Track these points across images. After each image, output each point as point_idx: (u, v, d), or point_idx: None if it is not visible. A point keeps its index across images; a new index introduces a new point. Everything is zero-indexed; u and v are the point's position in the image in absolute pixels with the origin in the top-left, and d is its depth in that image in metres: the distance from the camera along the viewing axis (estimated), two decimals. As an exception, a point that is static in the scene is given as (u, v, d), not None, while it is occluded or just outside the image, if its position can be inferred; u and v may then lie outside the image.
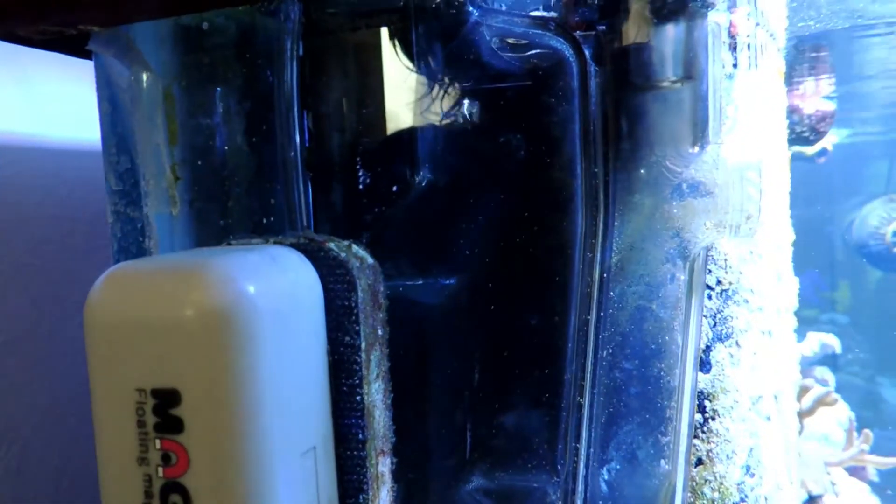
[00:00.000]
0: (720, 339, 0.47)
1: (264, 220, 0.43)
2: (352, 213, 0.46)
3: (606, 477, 0.44)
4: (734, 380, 0.47)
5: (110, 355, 0.28)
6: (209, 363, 0.27)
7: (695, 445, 0.45)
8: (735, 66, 0.47)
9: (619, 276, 0.43)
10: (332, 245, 0.34)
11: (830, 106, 1.10)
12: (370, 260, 0.35)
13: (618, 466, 0.44)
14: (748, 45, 0.50)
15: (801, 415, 0.90)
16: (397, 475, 0.37)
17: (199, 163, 0.41)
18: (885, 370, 3.31)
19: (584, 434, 0.43)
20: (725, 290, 0.47)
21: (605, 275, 0.43)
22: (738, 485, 0.47)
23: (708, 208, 0.42)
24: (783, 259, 0.66)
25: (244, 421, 0.27)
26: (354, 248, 0.35)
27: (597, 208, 0.43)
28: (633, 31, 0.42)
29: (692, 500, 0.45)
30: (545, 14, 0.43)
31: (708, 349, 0.46)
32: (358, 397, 0.33)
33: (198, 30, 0.39)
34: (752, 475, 0.49)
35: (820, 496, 0.87)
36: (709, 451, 0.46)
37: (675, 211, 0.42)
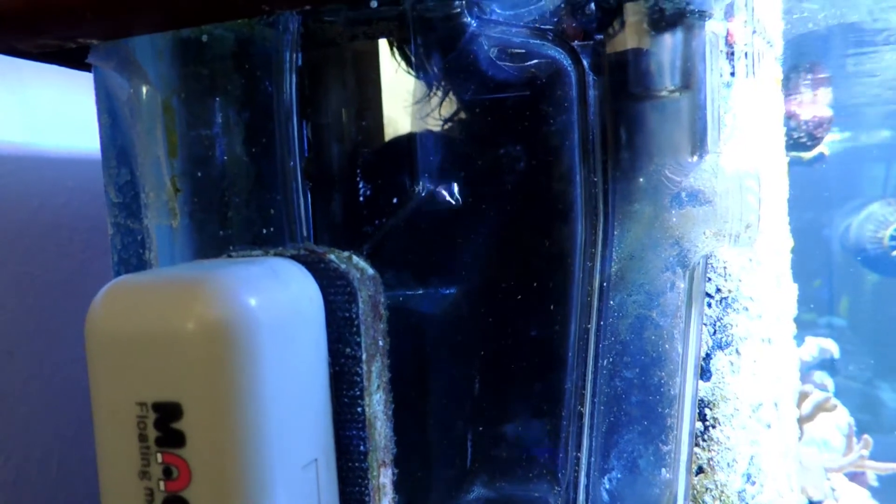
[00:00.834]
0: (720, 347, 0.47)
1: (264, 231, 0.43)
2: (352, 223, 0.46)
3: (608, 486, 0.44)
4: (734, 388, 0.47)
5: (112, 369, 0.28)
6: (211, 377, 0.27)
7: (696, 454, 0.45)
8: (733, 74, 0.48)
9: (618, 284, 0.43)
10: (332, 257, 0.34)
11: (827, 112, 1.10)
12: (370, 271, 0.35)
13: (619, 475, 0.44)
14: (745, 54, 0.50)
15: (801, 420, 0.90)
16: (399, 486, 0.37)
17: (199, 174, 0.41)
18: (884, 374, 3.31)
19: (585, 443, 0.43)
20: (725, 298, 0.47)
21: (604, 284, 0.43)
22: (739, 493, 0.47)
23: (707, 217, 0.42)
24: (782, 265, 0.66)
25: (246, 434, 0.27)
26: (355, 259, 0.35)
27: (596, 217, 0.43)
28: (630, 42, 0.42)
29: (693, 508, 0.45)
30: (543, 24, 0.43)
31: (708, 357, 0.46)
32: (359, 408, 0.33)
33: (197, 42, 0.39)
34: (753, 483, 0.49)
35: (820, 502, 0.87)
36: (710, 459, 0.46)
37: (674, 220, 0.42)
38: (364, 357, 0.33)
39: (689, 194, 0.42)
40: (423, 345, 0.45)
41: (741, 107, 0.49)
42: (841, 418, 1.29)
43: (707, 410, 0.46)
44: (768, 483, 0.52)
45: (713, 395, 0.47)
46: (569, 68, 0.43)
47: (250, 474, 0.27)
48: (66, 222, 0.68)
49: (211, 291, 0.27)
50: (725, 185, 0.42)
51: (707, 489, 0.46)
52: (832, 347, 1.57)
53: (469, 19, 0.41)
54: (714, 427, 0.46)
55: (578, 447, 0.43)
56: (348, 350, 0.33)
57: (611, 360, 0.43)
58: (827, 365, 1.82)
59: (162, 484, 0.27)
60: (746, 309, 0.49)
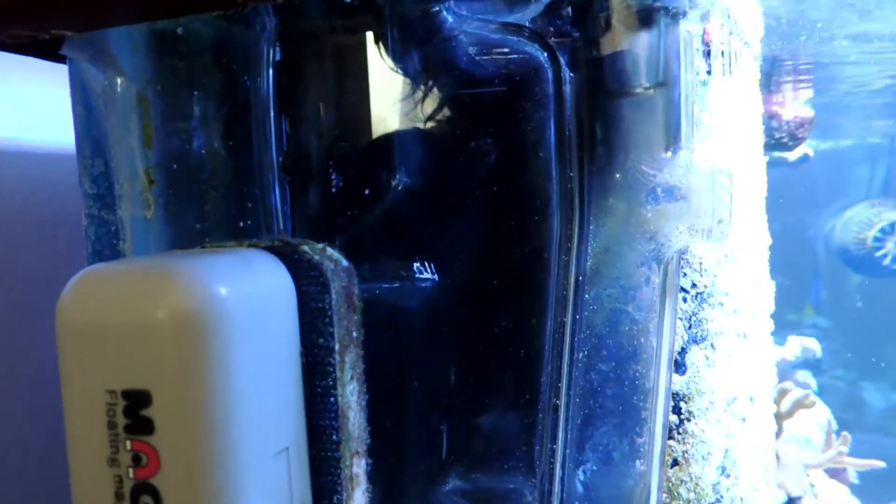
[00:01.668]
0: (695, 342, 0.47)
1: (241, 224, 0.44)
2: (329, 217, 0.47)
3: (582, 478, 0.44)
4: (709, 381, 0.48)
5: (81, 357, 0.28)
6: (180, 365, 0.27)
7: (670, 446, 0.46)
8: (709, 72, 0.48)
9: (594, 279, 0.44)
10: (306, 248, 0.34)
11: (809, 112, 1.11)
12: (344, 263, 0.36)
13: (594, 467, 0.44)
14: (722, 52, 0.51)
15: (781, 417, 0.91)
16: (374, 477, 0.37)
17: (175, 167, 0.41)
18: (868, 374, 3.34)
19: (561, 435, 0.43)
20: (700, 293, 0.48)
21: (580, 278, 0.43)
22: (714, 485, 0.48)
23: (681, 212, 0.42)
24: (759, 263, 0.67)
25: (215, 422, 0.27)
26: (329, 251, 0.35)
27: (572, 212, 0.43)
28: (606, 39, 0.42)
29: (668, 500, 0.45)
30: (520, 21, 0.43)
31: (683, 351, 0.47)
32: (332, 399, 0.34)
33: (173, 35, 0.39)
34: (728, 476, 0.50)
35: (799, 498, 0.88)
36: (684, 451, 0.46)
37: (649, 215, 0.43)
38: (337, 348, 0.34)
39: (665, 190, 0.43)
40: (400, 337, 0.45)
41: (717, 104, 0.49)
42: (821, 415, 1.30)
43: (682, 404, 0.47)
44: (743, 476, 0.53)
45: (688, 388, 0.47)
46: (545, 64, 0.43)
47: (219, 462, 0.27)
48: (49, 217, 0.68)
49: (181, 280, 0.28)
50: (698, 181, 0.42)
51: (682, 481, 0.47)
52: (815, 347, 1.58)
53: (445, 14, 0.42)
54: (689, 420, 0.47)
55: (554, 439, 0.43)
56: (321, 341, 0.34)
57: (586, 353, 0.44)
58: (810, 364, 1.84)
59: (131, 471, 0.27)
60: (722, 304, 0.50)
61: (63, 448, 0.29)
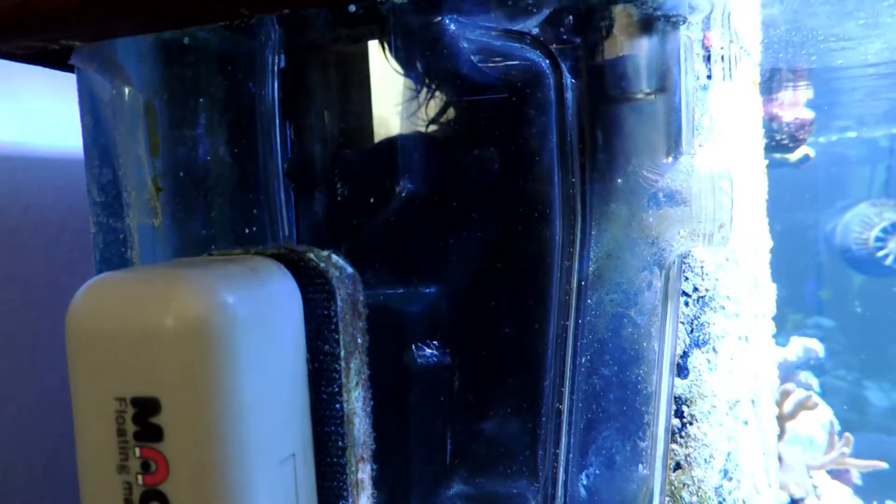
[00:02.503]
0: (697, 345, 0.48)
1: (247, 231, 0.44)
2: (334, 223, 0.47)
3: (585, 482, 0.44)
4: (711, 385, 0.48)
5: (91, 364, 0.28)
6: (188, 372, 0.27)
7: (673, 450, 0.46)
8: (709, 77, 0.49)
9: (596, 283, 0.44)
10: (311, 255, 0.34)
11: (809, 114, 1.12)
12: (349, 269, 0.36)
13: (597, 471, 0.44)
14: (722, 57, 0.51)
15: (783, 419, 0.91)
16: (379, 482, 0.37)
17: (182, 174, 0.41)
18: (871, 374, 3.34)
19: (564, 440, 0.44)
20: (702, 297, 0.48)
21: (582, 283, 0.44)
22: (717, 489, 0.48)
23: (682, 217, 0.43)
24: (761, 265, 0.67)
25: (223, 429, 0.27)
26: (334, 258, 0.36)
27: (574, 218, 0.43)
28: (607, 45, 0.43)
29: (671, 504, 0.46)
30: (521, 27, 0.44)
31: (685, 355, 0.47)
32: (337, 405, 0.34)
33: (179, 44, 0.40)
34: (730, 479, 0.50)
35: (802, 499, 0.88)
36: (687, 455, 0.47)
37: (651, 220, 0.43)
38: (342, 354, 0.34)
39: (666, 194, 0.43)
40: (404, 343, 0.45)
41: (718, 109, 0.49)
42: (824, 416, 1.30)
43: (684, 407, 0.47)
44: (745, 479, 0.53)
45: (690, 392, 0.48)
46: (547, 71, 0.44)
47: (227, 469, 0.27)
48: (55, 221, 0.68)
49: (189, 288, 0.28)
50: (699, 186, 0.42)
51: (685, 485, 0.47)
52: (817, 347, 1.58)
53: (447, 21, 0.42)
54: (691, 424, 0.47)
55: (557, 444, 0.44)
56: (327, 347, 0.34)
57: (589, 357, 0.44)
58: (813, 365, 1.84)
59: (140, 478, 0.27)
60: (723, 307, 0.50)
61: (71, 453, 0.29)
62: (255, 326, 0.29)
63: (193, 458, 0.27)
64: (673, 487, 0.46)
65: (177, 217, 0.41)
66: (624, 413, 0.44)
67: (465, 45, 0.43)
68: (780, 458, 0.83)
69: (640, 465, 0.44)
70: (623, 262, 0.44)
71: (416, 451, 0.46)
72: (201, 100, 0.42)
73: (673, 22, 0.42)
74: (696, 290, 0.48)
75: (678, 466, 0.47)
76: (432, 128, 0.47)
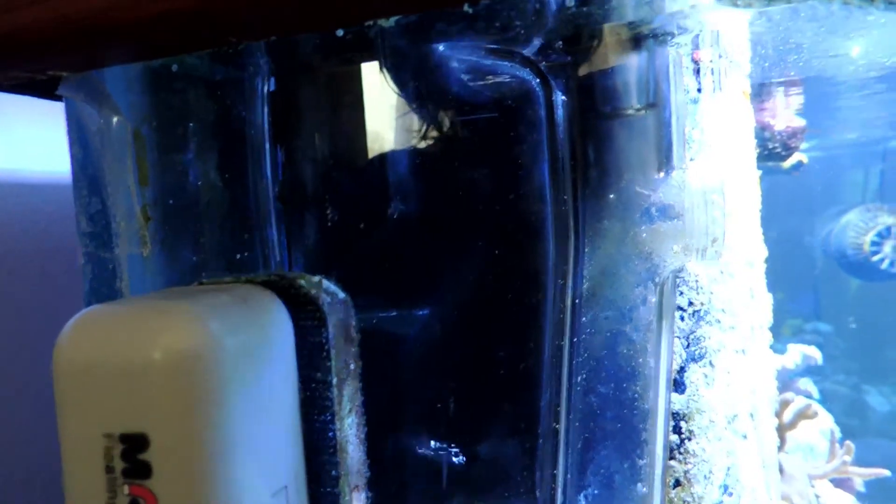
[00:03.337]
0: (694, 360, 0.47)
1: (238, 256, 0.44)
2: (326, 245, 0.47)
3: (584, 502, 0.44)
4: (709, 399, 0.48)
5: (79, 400, 0.28)
6: (177, 407, 0.27)
7: (672, 466, 0.46)
8: (699, 90, 0.49)
9: (591, 301, 0.44)
10: (302, 282, 0.34)
11: (800, 122, 1.12)
12: (341, 295, 0.36)
13: (595, 491, 0.44)
14: (711, 70, 0.51)
15: (783, 428, 0.91)
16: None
17: (171, 202, 0.41)
18: (870, 378, 3.33)
19: (561, 460, 0.43)
20: (697, 311, 0.48)
21: (577, 301, 0.43)
22: (717, 504, 0.48)
23: (676, 231, 0.42)
24: (756, 276, 0.67)
25: (213, 464, 0.27)
26: (325, 283, 0.35)
27: (567, 235, 0.43)
28: (597, 63, 0.43)
29: (672, 521, 0.45)
30: (511, 46, 0.44)
31: (682, 370, 0.47)
32: (330, 433, 0.34)
33: (167, 71, 0.40)
34: (731, 494, 0.49)
35: (804, 509, 0.88)
36: (686, 471, 0.46)
37: (644, 235, 0.43)
38: (335, 381, 0.34)
39: (659, 209, 0.43)
40: (398, 365, 0.45)
41: (708, 122, 0.49)
42: (825, 424, 1.30)
43: (682, 423, 0.47)
44: (746, 494, 0.52)
45: (688, 407, 0.47)
46: (537, 88, 0.44)
47: None
48: (46, 248, 0.68)
49: (178, 321, 0.28)
50: (691, 200, 0.42)
51: (685, 501, 0.46)
52: (815, 354, 1.58)
53: (437, 41, 0.42)
54: (690, 439, 0.47)
55: (554, 464, 0.43)
56: (319, 375, 0.34)
57: (585, 376, 0.44)
58: (812, 371, 1.83)
59: (130, 515, 0.27)
60: (719, 321, 0.50)
61: (56, 488, 0.29)
62: (245, 358, 0.29)
63: (183, 495, 0.27)
64: (673, 504, 0.46)
65: (167, 245, 0.41)
66: (621, 431, 0.44)
67: (456, 64, 0.44)
68: (781, 469, 0.83)
69: (640, 484, 0.44)
70: (617, 278, 0.44)
71: (413, 475, 0.45)
72: (190, 126, 0.42)
73: (662, 39, 0.42)
74: (691, 304, 0.48)
75: (678, 483, 0.46)
76: (424, 148, 0.47)
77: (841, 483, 1.15)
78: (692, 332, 0.48)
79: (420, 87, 0.45)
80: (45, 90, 0.39)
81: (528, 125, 0.44)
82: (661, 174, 0.43)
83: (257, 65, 0.43)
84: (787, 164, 1.27)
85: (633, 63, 0.43)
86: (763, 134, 1.09)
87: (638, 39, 0.42)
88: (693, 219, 0.42)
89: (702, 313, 0.48)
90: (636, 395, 0.44)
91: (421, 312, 0.45)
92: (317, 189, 0.47)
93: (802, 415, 0.90)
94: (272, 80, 0.45)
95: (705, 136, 0.49)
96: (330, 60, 0.46)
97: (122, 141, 0.37)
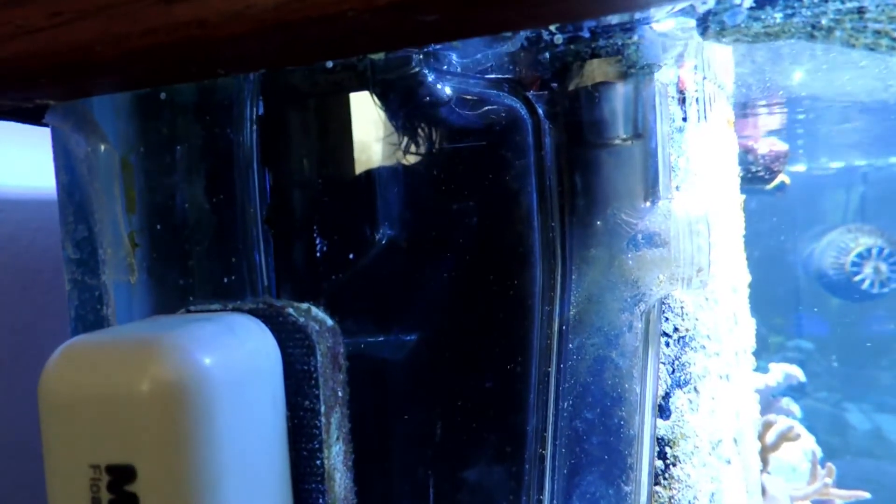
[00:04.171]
0: (679, 386, 0.48)
1: (225, 280, 0.43)
2: (313, 270, 0.47)
3: (570, 529, 0.44)
4: (694, 425, 0.48)
5: (65, 431, 0.28)
6: (164, 438, 0.27)
7: (657, 492, 0.46)
8: (685, 119, 0.49)
9: (577, 327, 0.44)
10: (290, 310, 0.34)
11: (783, 146, 1.14)
12: (329, 322, 0.36)
13: (581, 517, 0.44)
14: (696, 99, 0.52)
15: (766, 450, 0.91)
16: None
17: (159, 227, 0.41)
18: (852, 396, 3.36)
19: (547, 486, 0.43)
20: (683, 337, 0.48)
21: (563, 327, 0.44)
22: (702, 530, 0.48)
23: (662, 259, 0.43)
24: (740, 301, 0.67)
25: (200, 496, 0.27)
26: (314, 311, 0.35)
27: (554, 262, 0.44)
28: (585, 92, 0.43)
29: (657, 547, 0.45)
30: (499, 75, 0.44)
31: (667, 396, 0.47)
32: (318, 461, 0.33)
33: (155, 98, 0.40)
34: (715, 519, 0.50)
35: (787, 531, 0.88)
36: (671, 497, 0.46)
37: (630, 262, 0.43)
38: (323, 409, 0.34)
39: (645, 237, 0.43)
40: (385, 391, 0.45)
41: (694, 150, 0.50)
42: (807, 444, 1.31)
43: (667, 448, 0.47)
44: (730, 518, 0.53)
45: (673, 433, 0.47)
46: (525, 117, 0.44)
47: (205, 535, 0.27)
48: (30, 264, 0.68)
49: (165, 352, 0.28)
50: (677, 228, 0.43)
51: (670, 527, 0.46)
52: (797, 373, 1.59)
53: (426, 71, 0.42)
54: (674, 465, 0.47)
55: (541, 490, 0.43)
56: (307, 403, 0.34)
57: (571, 402, 0.44)
58: (795, 390, 1.84)
59: (115, 548, 0.27)
60: (704, 347, 0.51)
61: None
62: (232, 388, 0.29)
63: (169, 527, 0.26)
64: (658, 530, 0.46)
65: (154, 270, 0.41)
66: (607, 456, 0.44)
67: (445, 93, 0.44)
68: (763, 490, 0.83)
69: (625, 510, 0.44)
70: (604, 305, 0.44)
71: (400, 502, 0.45)
72: (178, 151, 0.42)
73: (647, 70, 0.43)
74: (676, 330, 0.49)
75: (663, 509, 0.46)
76: (411, 174, 0.47)
77: (823, 504, 1.16)
78: (677, 358, 0.48)
79: (409, 115, 0.45)
80: (32, 117, 0.39)
81: (517, 153, 0.45)
82: (648, 203, 0.44)
83: (246, 90, 0.43)
84: (771, 186, 1.29)
85: (619, 94, 0.43)
86: (746, 157, 1.11)
87: (624, 71, 0.43)
88: (679, 247, 0.43)
89: (687, 339, 0.49)
90: (622, 421, 0.44)
91: (408, 338, 0.45)
92: (304, 213, 0.47)
93: (785, 437, 0.91)
94: (261, 104, 0.45)
95: (690, 164, 0.50)
96: (319, 87, 0.46)
97: (109, 169, 0.37)
